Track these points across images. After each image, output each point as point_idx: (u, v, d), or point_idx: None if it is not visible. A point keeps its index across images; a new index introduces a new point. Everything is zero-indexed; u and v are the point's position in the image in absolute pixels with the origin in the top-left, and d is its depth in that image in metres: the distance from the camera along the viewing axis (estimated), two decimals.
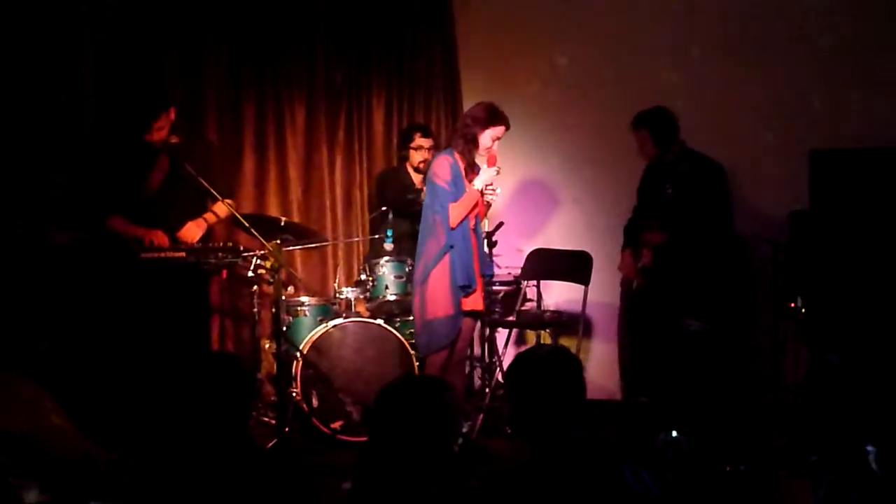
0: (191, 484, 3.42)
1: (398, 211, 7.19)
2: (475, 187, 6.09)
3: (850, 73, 7.36)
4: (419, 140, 7.46)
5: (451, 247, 6.03)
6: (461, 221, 6.06)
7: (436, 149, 7.39)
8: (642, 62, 7.86)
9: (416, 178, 7.46)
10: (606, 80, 7.98)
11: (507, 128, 6.17)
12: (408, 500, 3.22)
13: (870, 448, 3.17)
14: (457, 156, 6.15)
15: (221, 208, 6.58)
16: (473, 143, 6.12)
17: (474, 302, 6.22)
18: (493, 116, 6.13)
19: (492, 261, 7.42)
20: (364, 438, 6.39)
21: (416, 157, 7.42)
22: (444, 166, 6.10)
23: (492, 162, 6.12)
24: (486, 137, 6.10)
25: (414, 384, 3.71)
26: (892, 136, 7.17)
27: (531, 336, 7.97)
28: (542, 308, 7.74)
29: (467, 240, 6.12)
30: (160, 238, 6.35)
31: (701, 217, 6.61)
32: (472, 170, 6.18)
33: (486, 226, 6.47)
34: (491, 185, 6.12)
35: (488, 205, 6.25)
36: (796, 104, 7.47)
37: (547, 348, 3.70)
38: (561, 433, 3.31)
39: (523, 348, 8.10)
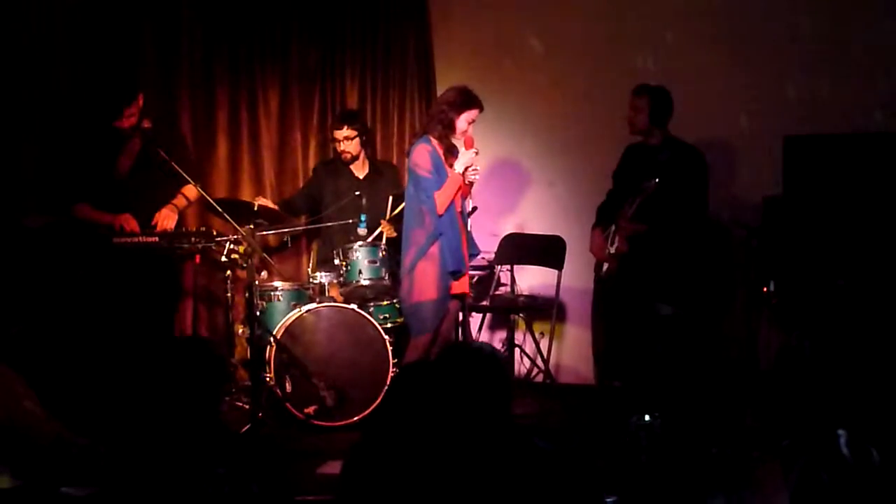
0: (164, 469, 3.42)
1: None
2: (457, 171, 6.13)
3: (824, 59, 7.37)
4: (335, 133, 7.44)
5: (441, 234, 6.08)
6: (447, 207, 6.09)
7: (360, 135, 7.38)
8: (617, 47, 7.86)
9: (356, 167, 7.47)
10: (581, 65, 7.98)
11: (481, 110, 6.22)
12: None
13: (840, 432, 3.19)
14: (434, 142, 6.19)
15: (191, 191, 6.57)
16: (450, 128, 6.16)
17: (462, 285, 6.30)
18: (467, 100, 6.18)
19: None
20: (337, 423, 6.48)
21: (337, 147, 7.43)
22: (424, 155, 6.13)
23: (469, 144, 6.17)
24: (462, 121, 6.16)
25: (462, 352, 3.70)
26: (865, 121, 7.20)
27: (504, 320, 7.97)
28: (516, 293, 7.75)
29: (455, 225, 6.17)
30: (130, 222, 6.33)
31: (680, 206, 6.62)
32: (451, 154, 6.22)
33: (470, 205, 6.45)
34: (471, 166, 6.16)
35: (471, 184, 6.28)
36: (770, 90, 7.48)
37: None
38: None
39: (497, 333, 8.12)
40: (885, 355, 6.04)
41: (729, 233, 7.34)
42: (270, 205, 7.09)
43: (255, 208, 6.72)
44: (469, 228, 6.36)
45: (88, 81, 6.90)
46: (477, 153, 6.18)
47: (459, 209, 6.25)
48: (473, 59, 8.27)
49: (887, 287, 6.64)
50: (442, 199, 6.08)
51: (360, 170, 7.45)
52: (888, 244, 6.76)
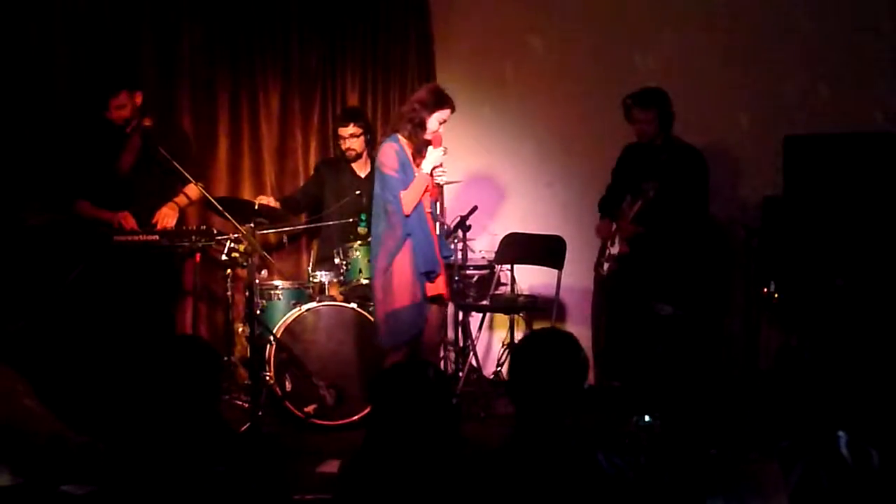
0: (163, 467, 3.42)
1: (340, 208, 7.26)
2: (424, 171, 6.02)
3: (824, 59, 7.37)
4: (340, 130, 7.42)
5: (409, 235, 5.95)
6: (415, 207, 5.98)
7: (365, 133, 7.38)
8: (617, 46, 7.86)
9: (358, 166, 7.45)
10: (581, 65, 7.98)
11: (453, 110, 6.09)
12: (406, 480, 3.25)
13: (840, 434, 3.19)
14: (403, 141, 6.06)
15: (193, 190, 6.57)
16: (421, 128, 6.03)
17: (437, 287, 6.13)
18: (439, 99, 6.05)
19: (465, 245, 7.42)
20: (337, 422, 6.48)
21: (342, 145, 7.41)
22: (390, 155, 6.01)
23: (437, 143, 6.05)
24: (433, 121, 6.02)
25: (397, 369, 3.73)
26: (865, 121, 7.20)
27: (504, 320, 7.96)
28: (516, 292, 7.74)
29: (424, 225, 6.04)
30: (128, 220, 6.34)
31: (680, 207, 6.62)
32: (420, 154, 6.08)
33: (438, 208, 6.36)
34: (440, 166, 6.06)
35: (440, 186, 6.20)
36: (770, 89, 7.48)
37: (555, 333, 3.69)
38: (558, 419, 3.32)
39: (497, 333, 8.12)
40: (885, 356, 6.04)
41: (729, 233, 7.34)
42: (272, 203, 7.09)
43: (256, 207, 6.72)
44: (439, 232, 6.27)
45: (87, 79, 6.90)
46: (446, 152, 6.07)
47: (429, 210, 6.12)
48: (474, 58, 8.27)
49: (887, 287, 6.64)
50: (408, 198, 5.95)
51: (363, 168, 7.43)
52: (888, 244, 6.76)
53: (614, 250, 6.79)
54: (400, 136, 6.07)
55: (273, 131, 7.85)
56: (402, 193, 5.94)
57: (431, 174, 6.05)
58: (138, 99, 6.48)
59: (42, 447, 4.92)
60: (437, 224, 6.27)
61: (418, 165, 6.05)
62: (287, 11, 7.86)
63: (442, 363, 7.40)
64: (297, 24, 7.90)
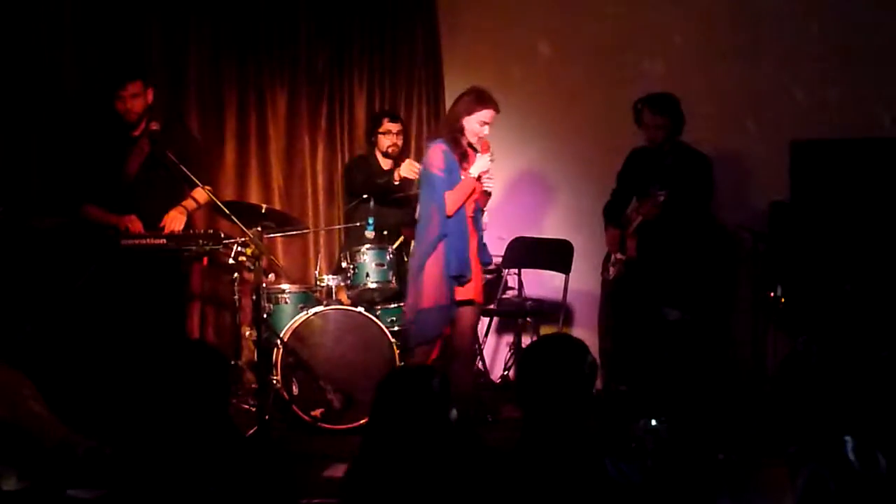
0: (170, 471, 3.42)
1: (377, 198, 7.19)
2: (471, 175, 6.03)
3: (832, 64, 7.37)
4: (387, 125, 7.43)
5: (445, 235, 5.95)
6: (457, 210, 5.98)
7: (404, 133, 7.44)
8: (624, 51, 7.86)
9: (386, 163, 7.42)
10: (588, 70, 7.98)
11: (497, 111, 6.05)
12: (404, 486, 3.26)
13: (847, 439, 3.19)
14: (449, 144, 6.05)
15: (201, 194, 6.55)
16: (460, 132, 6.02)
17: (467, 291, 6.10)
18: (478, 100, 6.02)
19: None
20: (344, 426, 6.48)
21: (385, 141, 7.39)
22: (438, 155, 6.01)
23: (485, 148, 6.04)
24: (473, 122, 6.00)
25: (403, 373, 3.74)
26: (872, 126, 7.20)
27: (512, 324, 7.97)
28: (524, 296, 7.75)
29: (462, 229, 6.03)
30: (134, 224, 6.34)
31: (687, 212, 6.61)
32: (465, 159, 6.08)
33: (486, 216, 6.31)
34: (487, 172, 6.05)
35: (488, 194, 6.18)
36: (777, 94, 7.49)
37: (564, 337, 3.71)
38: (566, 424, 3.32)
39: (504, 337, 8.12)
40: (892, 361, 6.03)
41: (736, 237, 7.34)
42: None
43: (263, 210, 6.73)
44: (484, 240, 6.24)
45: (94, 83, 6.91)
46: (493, 158, 6.06)
47: (471, 215, 6.11)
48: (481, 62, 8.26)
49: (894, 292, 6.63)
50: (453, 198, 5.95)
51: (392, 166, 7.41)
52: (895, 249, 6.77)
53: (620, 255, 6.78)
54: (445, 140, 6.07)
55: (280, 133, 7.85)
56: (447, 193, 5.95)
57: (479, 180, 6.05)
58: (150, 95, 6.48)
59: (49, 451, 4.93)
60: (481, 231, 6.24)
61: (465, 170, 6.06)
62: (294, 13, 7.87)
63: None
64: (305, 25, 7.90)
